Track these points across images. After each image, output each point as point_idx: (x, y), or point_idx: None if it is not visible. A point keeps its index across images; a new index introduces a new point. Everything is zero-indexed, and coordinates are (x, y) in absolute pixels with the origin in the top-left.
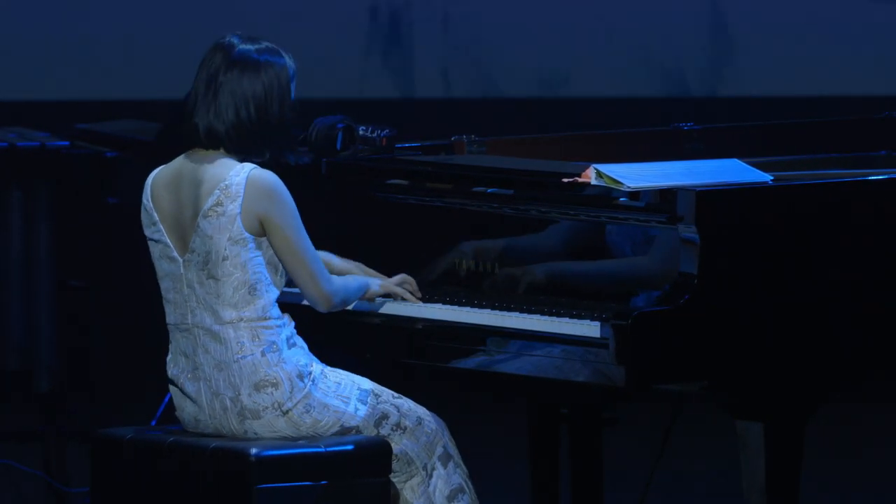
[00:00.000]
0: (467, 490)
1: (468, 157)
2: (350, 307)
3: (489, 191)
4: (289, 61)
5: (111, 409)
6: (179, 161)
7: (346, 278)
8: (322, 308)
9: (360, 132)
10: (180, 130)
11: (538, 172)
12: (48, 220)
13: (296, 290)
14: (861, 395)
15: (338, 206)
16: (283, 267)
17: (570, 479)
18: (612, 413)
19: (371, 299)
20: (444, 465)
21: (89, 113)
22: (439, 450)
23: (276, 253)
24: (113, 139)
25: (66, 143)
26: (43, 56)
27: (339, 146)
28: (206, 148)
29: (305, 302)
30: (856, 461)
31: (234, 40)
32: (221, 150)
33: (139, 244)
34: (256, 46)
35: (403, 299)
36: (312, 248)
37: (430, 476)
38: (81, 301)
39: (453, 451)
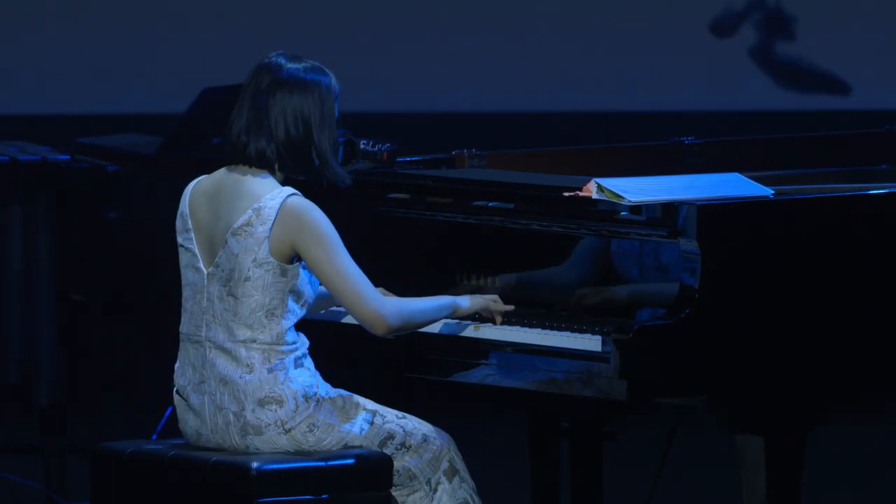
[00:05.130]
0: None
1: (469, 170)
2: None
3: (490, 205)
4: (333, 80)
5: (111, 423)
6: (222, 172)
7: (411, 299)
8: (379, 331)
9: (362, 146)
10: (222, 148)
11: (539, 186)
12: (48, 234)
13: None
14: (862, 407)
15: (339, 220)
16: (331, 293)
17: (571, 492)
18: (610, 427)
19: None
20: (450, 480)
21: (90, 127)
22: (444, 464)
23: (320, 280)
24: (114, 153)
25: (67, 156)
26: (44, 70)
27: (340, 160)
28: (251, 166)
29: (344, 320)
30: (858, 475)
31: (281, 60)
32: (266, 169)
33: (140, 258)
34: (304, 65)
35: (492, 319)
36: (356, 268)
37: (436, 490)
38: (81, 314)
39: (460, 465)
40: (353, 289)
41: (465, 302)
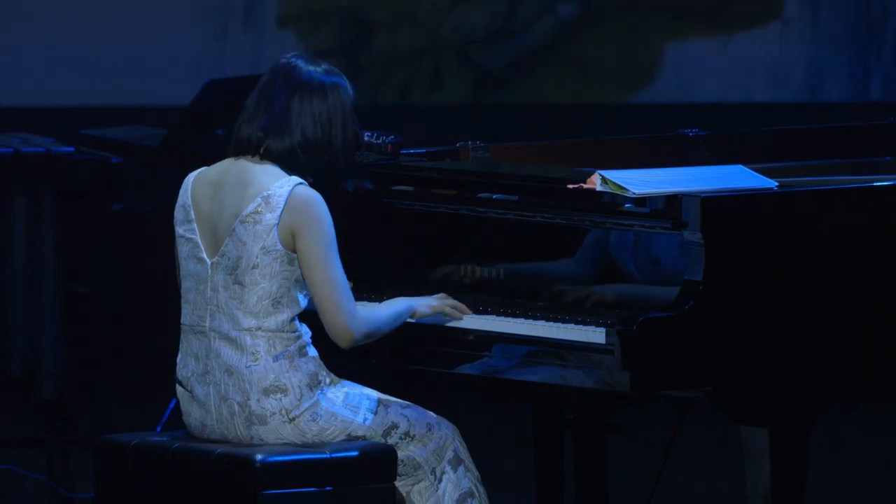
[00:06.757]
0: (477, 494)
1: (473, 163)
2: None
3: (494, 197)
4: (349, 84)
5: (115, 416)
6: (225, 163)
7: (375, 307)
8: (342, 343)
9: (366, 138)
10: (232, 142)
11: (543, 178)
12: (53, 226)
13: None
14: (868, 399)
15: (343, 213)
16: (308, 290)
17: (575, 485)
18: (616, 419)
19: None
20: (454, 469)
21: (94, 119)
22: (449, 454)
23: (302, 273)
24: (118, 145)
25: (71, 148)
26: (48, 61)
27: None
28: (262, 159)
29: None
30: (862, 467)
31: (300, 63)
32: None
33: (144, 250)
34: (322, 68)
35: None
36: (343, 277)
37: (440, 480)
38: (86, 307)
39: (464, 454)
40: (332, 293)
41: (420, 305)
